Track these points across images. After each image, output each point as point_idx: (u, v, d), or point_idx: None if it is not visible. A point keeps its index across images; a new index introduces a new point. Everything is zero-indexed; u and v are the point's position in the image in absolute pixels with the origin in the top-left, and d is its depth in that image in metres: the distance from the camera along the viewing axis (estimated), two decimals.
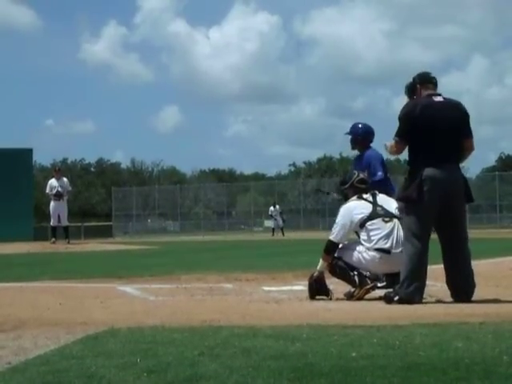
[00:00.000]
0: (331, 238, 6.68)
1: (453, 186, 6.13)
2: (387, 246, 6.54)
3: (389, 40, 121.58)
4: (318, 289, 6.68)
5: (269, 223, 40.93)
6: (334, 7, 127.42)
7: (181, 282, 8.41)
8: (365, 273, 6.60)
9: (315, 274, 6.71)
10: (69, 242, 20.99)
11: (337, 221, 6.72)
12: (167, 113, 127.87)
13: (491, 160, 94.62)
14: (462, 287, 6.24)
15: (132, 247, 21.79)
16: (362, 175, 7.11)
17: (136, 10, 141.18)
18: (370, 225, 6.61)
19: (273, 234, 38.18)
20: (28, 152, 31.63)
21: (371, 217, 6.62)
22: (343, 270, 6.65)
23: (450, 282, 6.27)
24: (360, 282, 6.53)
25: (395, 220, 6.59)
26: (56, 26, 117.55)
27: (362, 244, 6.63)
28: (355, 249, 6.66)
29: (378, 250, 6.53)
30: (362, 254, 6.62)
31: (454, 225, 6.24)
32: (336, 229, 6.69)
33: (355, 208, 6.71)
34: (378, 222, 6.61)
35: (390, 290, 6.25)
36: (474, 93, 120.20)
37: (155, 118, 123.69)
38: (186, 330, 4.48)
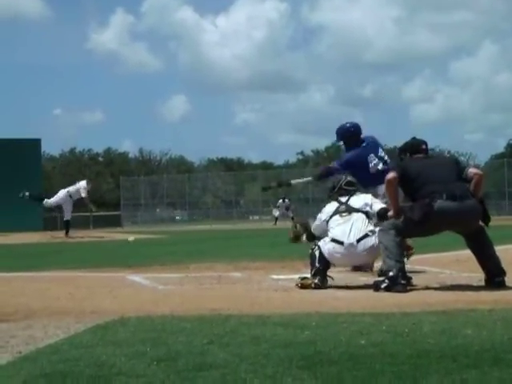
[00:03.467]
0: (312, 228, 7.37)
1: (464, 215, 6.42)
2: (341, 237, 6.89)
3: (398, 26, 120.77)
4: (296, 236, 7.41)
5: (276, 212, 40.83)
6: None
7: (190, 271, 8.43)
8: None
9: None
10: (67, 236, 21.01)
11: (318, 217, 7.29)
12: (175, 102, 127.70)
13: (500, 147, 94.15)
14: (493, 273, 6.48)
15: (141, 236, 21.81)
16: (349, 178, 7.44)
17: None
18: (331, 221, 7.06)
19: (275, 223, 38.05)
20: (36, 142, 31.74)
21: (333, 214, 7.09)
22: (313, 257, 6.96)
23: (483, 267, 6.54)
24: (313, 275, 6.80)
25: (353, 214, 7.00)
26: (63, 15, 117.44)
27: (326, 237, 7.04)
28: (323, 241, 7.04)
29: (333, 240, 6.90)
30: (324, 246, 6.93)
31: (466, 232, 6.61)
32: (315, 224, 7.37)
33: (327, 212, 7.22)
34: (337, 217, 7.05)
35: (380, 278, 6.41)
36: (484, 79, 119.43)
37: (163, 107, 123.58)
38: (195, 319, 4.49)
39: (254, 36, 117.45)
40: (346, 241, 6.79)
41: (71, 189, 21.26)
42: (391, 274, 6.24)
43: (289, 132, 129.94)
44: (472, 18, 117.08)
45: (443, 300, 5.42)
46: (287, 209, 40.86)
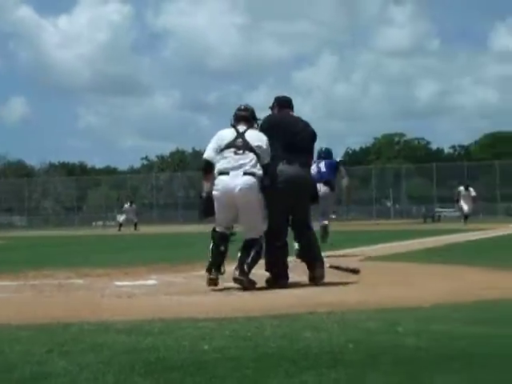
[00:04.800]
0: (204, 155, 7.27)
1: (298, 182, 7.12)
2: (225, 166, 6.99)
3: (242, 34, 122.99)
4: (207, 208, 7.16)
5: (120, 218, 40.11)
6: None
7: (28, 278, 8.13)
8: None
9: (203, 195, 7.24)
10: None
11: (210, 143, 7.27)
12: (14, 103, 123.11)
13: (338, 155, 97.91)
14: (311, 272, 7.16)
15: None
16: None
17: None
18: (225, 152, 7.08)
19: (119, 229, 37.43)
20: None
21: (227, 147, 7.08)
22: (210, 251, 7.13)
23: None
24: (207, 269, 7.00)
25: (247, 153, 7.08)
26: None
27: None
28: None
29: (220, 173, 7.01)
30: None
31: (297, 213, 7.27)
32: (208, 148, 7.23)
33: (222, 134, 7.24)
34: (231, 152, 7.10)
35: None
36: (324, 88, 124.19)
37: (1, 109, 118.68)
38: (34, 328, 4.34)
39: (97, 38, 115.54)
40: (231, 172, 6.95)
41: None
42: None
43: (133, 137, 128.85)
44: (313, 29, 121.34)
45: (285, 303, 5.54)
46: (135, 214, 40.20)
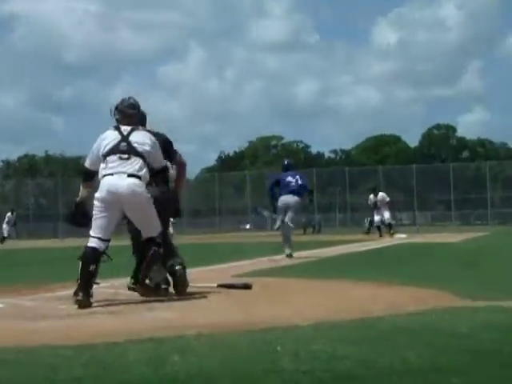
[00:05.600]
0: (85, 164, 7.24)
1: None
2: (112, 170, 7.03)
3: (99, 23, 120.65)
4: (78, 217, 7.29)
5: (4, 229, 38.53)
6: None
7: None
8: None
9: (77, 200, 7.31)
10: None
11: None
12: None
13: (211, 159, 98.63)
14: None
15: None
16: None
17: None
18: (107, 158, 7.11)
19: (2, 242, 35.98)
20: None
21: (111, 151, 7.09)
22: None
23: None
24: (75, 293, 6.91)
25: (132, 158, 7.10)
26: None
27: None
28: None
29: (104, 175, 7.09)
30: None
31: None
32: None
33: (103, 138, 7.18)
34: (114, 157, 7.10)
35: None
36: (194, 85, 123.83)
37: None
38: None
39: None
40: (115, 175, 7.00)
41: None
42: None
43: None
44: (180, 20, 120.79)
45: (152, 326, 5.56)
46: (14, 224, 38.64)
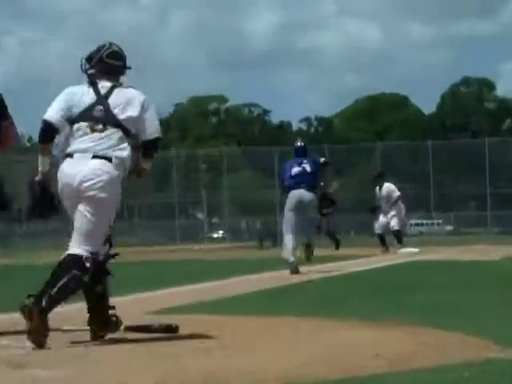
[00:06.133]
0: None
1: None
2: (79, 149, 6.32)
3: None
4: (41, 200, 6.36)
5: None
6: None
7: None
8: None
9: (36, 178, 6.28)
10: None
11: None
12: None
13: None
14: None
15: None
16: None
17: None
18: (75, 127, 6.27)
19: None
20: None
21: (82, 116, 6.24)
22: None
23: None
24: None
25: (110, 129, 6.16)
26: None
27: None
28: None
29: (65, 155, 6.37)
30: None
31: None
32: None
33: (74, 94, 6.30)
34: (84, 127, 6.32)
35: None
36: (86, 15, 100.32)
37: None
38: None
39: None
40: (76, 154, 6.13)
41: None
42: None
43: None
44: None
45: None
46: None
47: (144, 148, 6.32)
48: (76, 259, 5.98)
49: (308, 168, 13.90)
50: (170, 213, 43.68)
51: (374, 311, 8.34)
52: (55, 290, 5.90)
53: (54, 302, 5.92)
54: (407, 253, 22.26)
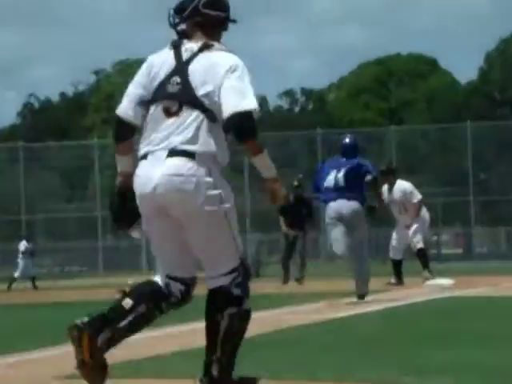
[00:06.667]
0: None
1: None
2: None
3: None
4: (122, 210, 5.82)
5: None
6: None
7: None
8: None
9: (116, 183, 5.70)
10: None
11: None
12: None
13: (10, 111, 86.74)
14: None
15: None
16: None
17: None
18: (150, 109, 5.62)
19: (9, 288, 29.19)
20: None
21: (158, 93, 5.52)
22: None
23: None
24: None
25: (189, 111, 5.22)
26: None
27: None
28: None
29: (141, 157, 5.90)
30: None
31: None
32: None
33: (154, 65, 5.37)
34: (158, 112, 5.66)
35: None
36: None
37: None
38: None
39: None
40: (150, 155, 5.42)
41: None
42: None
43: None
44: None
45: None
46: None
47: (233, 133, 5.21)
48: (222, 288, 5.18)
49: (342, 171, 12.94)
50: (92, 221, 36.93)
51: (389, 371, 6.28)
52: (221, 344, 5.00)
53: (230, 360, 5.05)
54: (437, 286, 16.51)
